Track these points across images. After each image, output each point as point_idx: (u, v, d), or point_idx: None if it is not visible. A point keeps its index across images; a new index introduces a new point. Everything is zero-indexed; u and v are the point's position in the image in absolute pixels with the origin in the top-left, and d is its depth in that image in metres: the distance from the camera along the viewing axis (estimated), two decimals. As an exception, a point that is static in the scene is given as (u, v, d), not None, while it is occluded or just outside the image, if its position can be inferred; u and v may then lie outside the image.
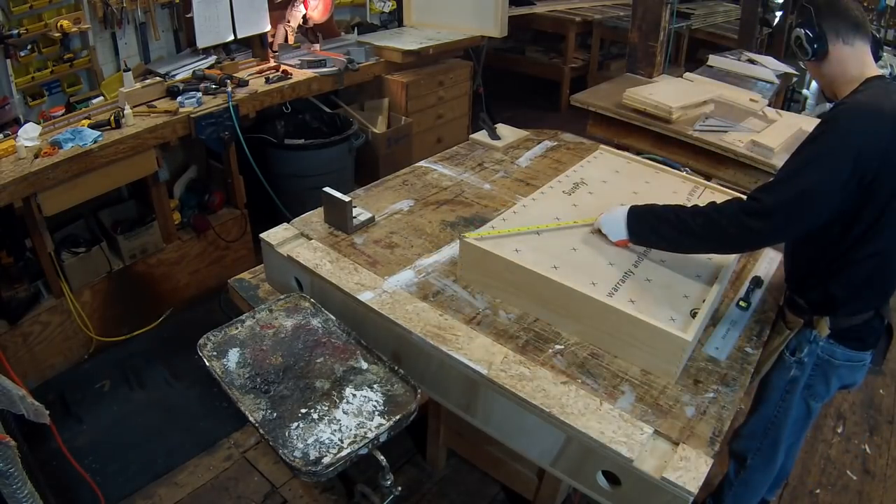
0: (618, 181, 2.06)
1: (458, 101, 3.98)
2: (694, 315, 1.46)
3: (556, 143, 2.58)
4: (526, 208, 1.85)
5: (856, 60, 1.44)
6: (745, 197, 1.47)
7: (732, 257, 1.67)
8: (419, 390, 1.43)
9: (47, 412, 1.46)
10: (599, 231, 1.69)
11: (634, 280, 1.57)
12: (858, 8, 1.45)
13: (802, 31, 1.45)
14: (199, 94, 2.77)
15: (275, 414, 1.36)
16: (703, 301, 1.50)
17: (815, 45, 1.44)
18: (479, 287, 1.67)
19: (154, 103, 2.71)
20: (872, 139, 1.31)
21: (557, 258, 1.61)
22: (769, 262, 1.89)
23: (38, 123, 2.48)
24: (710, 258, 1.67)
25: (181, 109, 2.69)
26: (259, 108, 3.01)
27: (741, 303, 1.67)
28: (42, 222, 2.37)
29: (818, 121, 1.55)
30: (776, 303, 1.73)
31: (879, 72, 1.45)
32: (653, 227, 1.54)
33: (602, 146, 2.34)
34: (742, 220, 1.39)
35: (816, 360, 1.59)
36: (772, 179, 1.45)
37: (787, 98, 4.50)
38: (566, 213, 1.84)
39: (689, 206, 1.53)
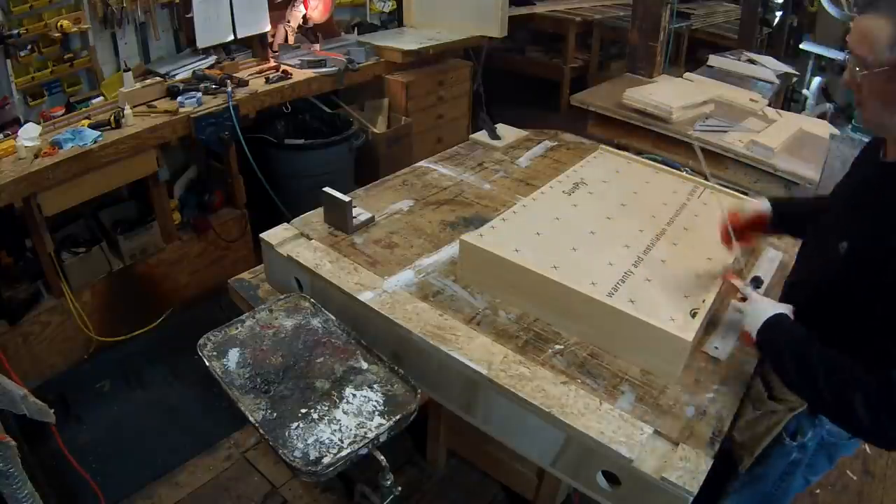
0: (618, 181, 2.06)
1: (458, 101, 3.98)
2: (694, 315, 1.46)
3: (556, 143, 2.58)
4: (526, 208, 1.85)
5: None
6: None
7: (732, 258, 1.66)
8: (419, 390, 1.43)
9: (51, 411, 1.46)
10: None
11: (634, 280, 1.57)
12: None
13: None
14: (199, 94, 2.77)
15: (275, 414, 1.36)
16: (703, 301, 1.50)
17: None
18: (478, 287, 1.67)
19: (154, 103, 2.71)
20: None
21: (557, 258, 1.61)
22: (769, 262, 1.89)
23: (39, 123, 2.48)
24: (710, 258, 1.67)
25: (181, 109, 2.69)
26: (259, 108, 3.01)
27: None
28: (42, 222, 2.36)
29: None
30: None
31: None
32: (778, 353, 1.27)
33: (602, 146, 2.34)
34: (882, 421, 1.08)
35: (821, 442, 1.34)
36: None
37: (787, 98, 4.49)
38: (566, 214, 1.84)
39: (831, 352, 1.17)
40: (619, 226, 1.81)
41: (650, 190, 2.00)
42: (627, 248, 1.70)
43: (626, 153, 2.29)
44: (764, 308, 1.31)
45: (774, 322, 1.28)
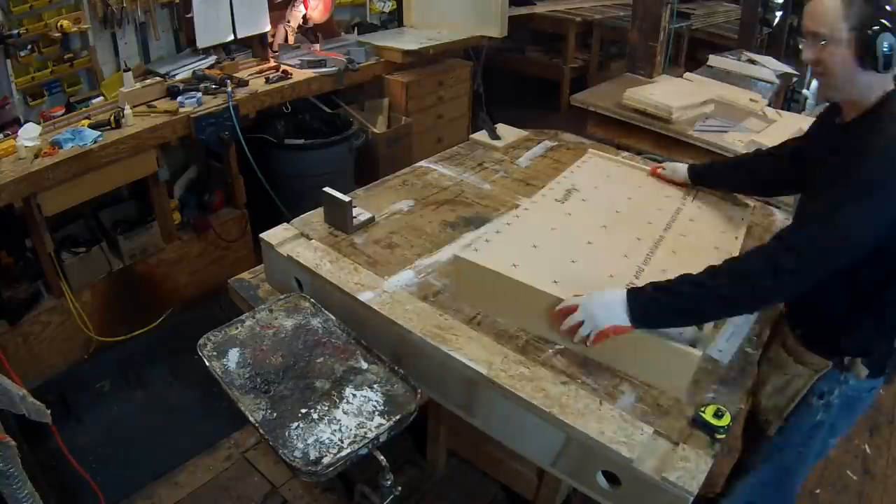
0: (610, 186, 2.01)
1: (458, 101, 3.98)
2: (701, 327, 1.42)
3: (556, 143, 2.58)
4: (519, 219, 1.78)
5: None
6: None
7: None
8: (419, 390, 1.43)
9: (49, 411, 1.46)
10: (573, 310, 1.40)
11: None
12: None
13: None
14: (199, 94, 2.77)
15: (275, 414, 1.36)
16: None
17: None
18: (477, 305, 1.60)
19: (154, 103, 2.71)
20: None
21: (557, 272, 1.54)
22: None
23: (39, 123, 2.48)
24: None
25: (181, 109, 2.69)
26: (259, 108, 3.01)
27: None
28: (42, 222, 2.36)
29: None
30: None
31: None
32: (664, 305, 1.31)
33: (591, 150, 2.27)
34: (773, 261, 1.24)
35: (846, 400, 1.42)
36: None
37: (786, 98, 4.49)
38: (561, 223, 1.77)
39: (694, 273, 1.32)
40: (616, 234, 1.74)
41: (643, 195, 1.95)
42: (626, 258, 1.62)
43: (616, 157, 2.24)
44: (606, 296, 1.36)
45: (632, 296, 1.33)
